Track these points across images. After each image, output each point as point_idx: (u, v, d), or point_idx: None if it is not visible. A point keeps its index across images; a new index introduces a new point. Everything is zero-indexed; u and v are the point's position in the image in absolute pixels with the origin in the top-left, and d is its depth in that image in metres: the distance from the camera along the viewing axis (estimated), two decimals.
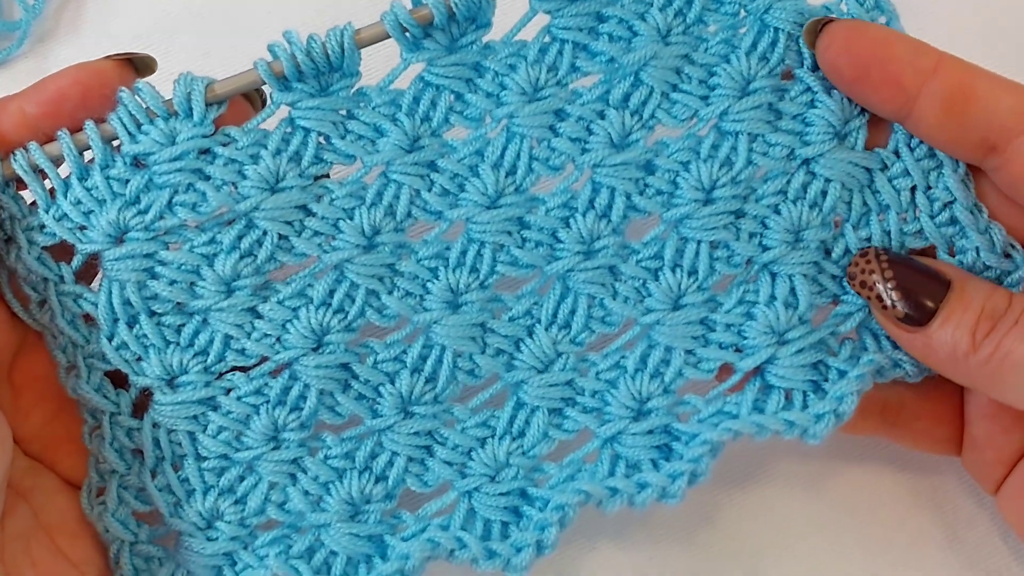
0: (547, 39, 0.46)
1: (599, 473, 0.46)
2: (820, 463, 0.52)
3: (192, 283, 0.45)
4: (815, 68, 0.47)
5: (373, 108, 0.46)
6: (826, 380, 0.47)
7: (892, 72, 0.43)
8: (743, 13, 0.47)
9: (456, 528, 0.46)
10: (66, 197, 0.44)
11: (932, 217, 0.47)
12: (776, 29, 0.46)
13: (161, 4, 0.62)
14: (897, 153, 0.47)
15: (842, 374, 0.47)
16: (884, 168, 0.47)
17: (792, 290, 0.47)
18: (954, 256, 0.47)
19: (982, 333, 0.43)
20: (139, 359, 0.45)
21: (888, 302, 0.45)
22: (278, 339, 0.45)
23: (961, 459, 0.50)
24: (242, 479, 0.46)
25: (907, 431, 0.50)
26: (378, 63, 0.49)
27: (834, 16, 0.46)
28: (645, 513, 0.50)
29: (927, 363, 0.46)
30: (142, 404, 0.46)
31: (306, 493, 0.45)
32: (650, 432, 0.46)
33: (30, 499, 0.45)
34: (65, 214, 0.44)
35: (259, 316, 0.45)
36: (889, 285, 0.45)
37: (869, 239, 0.47)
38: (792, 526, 0.51)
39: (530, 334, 0.47)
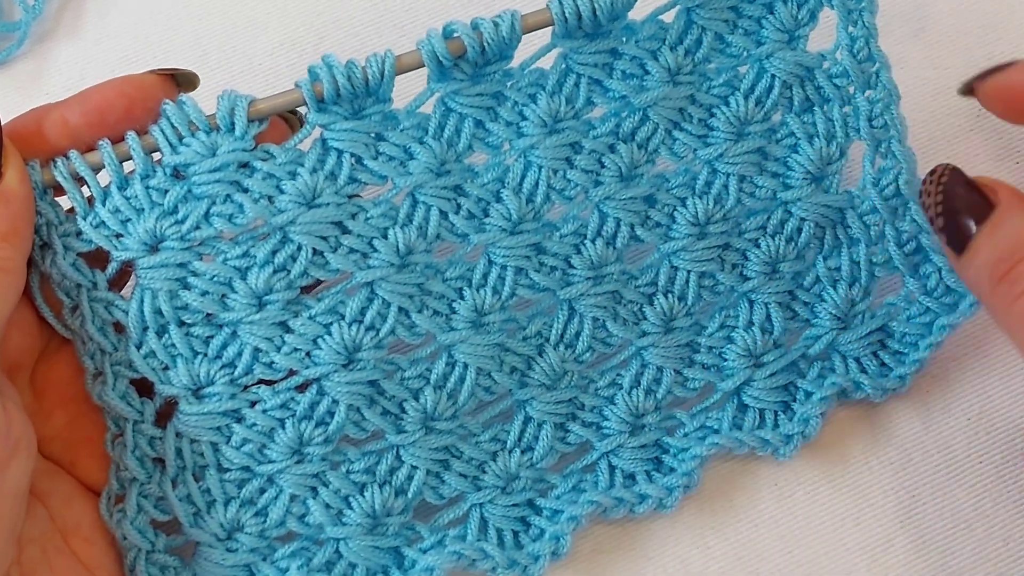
0: (563, 67, 0.50)
1: (600, 484, 0.52)
2: (821, 467, 0.55)
3: (224, 295, 0.47)
4: (801, 112, 0.53)
5: (402, 131, 0.49)
6: (795, 400, 0.54)
7: None
8: (745, 55, 0.52)
9: (472, 538, 0.50)
10: (104, 205, 0.46)
11: (900, 247, 0.53)
12: (774, 76, 0.52)
13: (161, 5, 0.64)
14: (866, 191, 0.53)
15: (809, 395, 0.53)
16: (855, 207, 0.53)
17: (768, 316, 0.53)
18: (919, 280, 0.54)
19: (998, 275, 0.45)
20: (166, 368, 0.47)
21: (935, 227, 0.48)
22: (308, 354, 0.48)
23: None
24: (263, 491, 0.48)
25: None
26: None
27: (975, 79, 0.50)
28: (644, 520, 0.54)
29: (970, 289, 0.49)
30: (165, 414, 0.48)
31: (327, 506, 0.48)
32: (644, 446, 0.52)
33: (47, 502, 0.46)
34: (103, 222, 0.46)
35: (289, 330, 0.48)
36: (938, 209, 0.47)
37: (838, 269, 0.54)
38: (792, 531, 0.54)
39: (540, 353, 0.51)
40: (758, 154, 0.52)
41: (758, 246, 0.52)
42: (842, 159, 0.53)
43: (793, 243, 0.53)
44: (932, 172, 0.49)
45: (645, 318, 0.52)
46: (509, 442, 0.51)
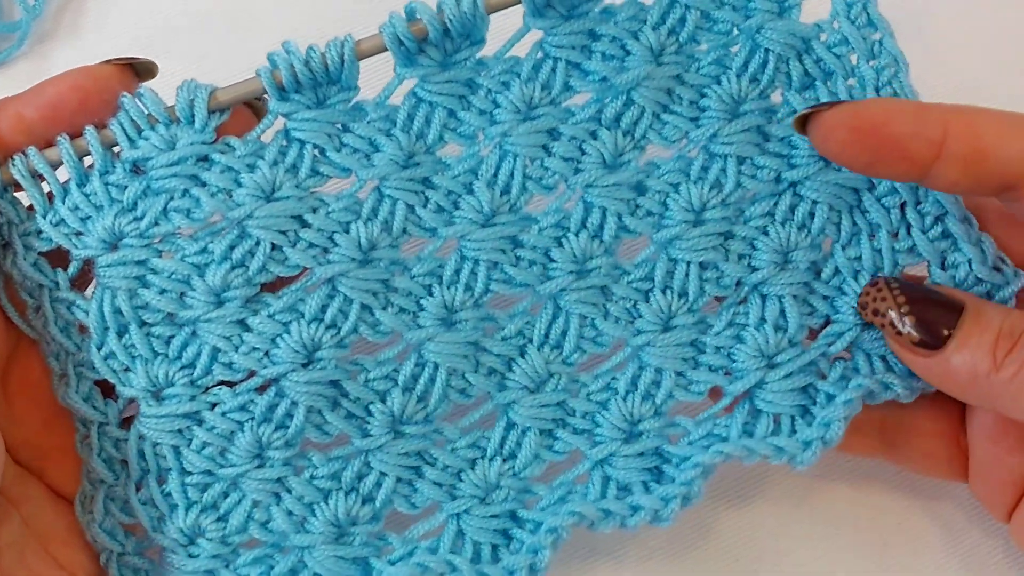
0: (540, 55, 0.48)
1: (590, 495, 0.48)
2: (817, 470, 0.52)
3: (182, 293, 0.46)
4: (802, 89, 0.49)
5: (368, 122, 0.47)
6: (815, 403, 0.49)
7: (903, 150, 0.44)
8: (736, 32, 0.48)
9: (445, 551, 0.47)
10: (64, 203, 0.46)
11: (924, 232, 0.49)
12: (767, 50, 0.48)
13: (160, 5, 0.64)
14: None
15: (831, 398, 0.48)
16: (872, 187, 0.49)
17: (782, 312, 0.49)
18: (946, 271, 0.49)
19: (1003, 351, 0.44)
20: (126, 370, 0.46)
21: (902, 328, 0.46)
22: (266, 353, 0.46)
23: (969, 485, 0.51)
24: (226, 495, 0.47)
25: (907, 451, 0.51)
26: (373, 77, 0.51)
27: (817, 106, 0.46)
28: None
29: (944, 388, 0.47)
30: (132, 415, 0.47)
31: (290, 513, 0.46)
32: (641, 454, 0.48)
33: (20, 508, 0.46)
34: (63, 219, 0.46)
35: (248, 329, 0.46)
36: (903, 311, 0.46)
37: (859, 258, 0.49)
38: (789, 533, 0.53)
39: (522, 354, 0.48)
40: (757, 133, 0.48)
41: (766, 234, 0.48)
42: None
43: (806, 229, 0.48)
44: (872, 284, 0.48)
45: (640, 316, 0.48)
46: (490, 449, 0.48)
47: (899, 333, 0.46)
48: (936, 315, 0.46)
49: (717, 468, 0.48)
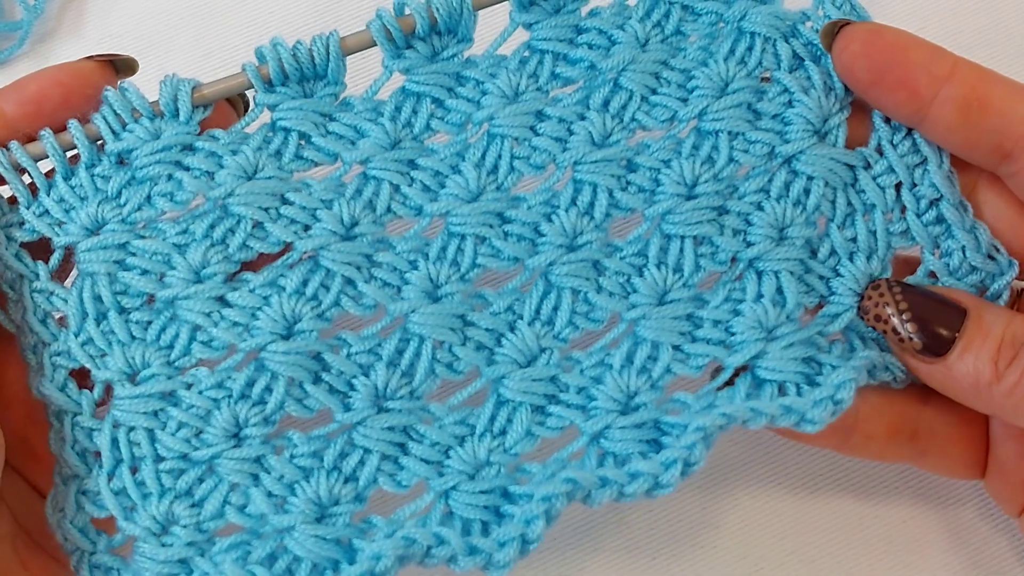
0: (527, 52, 0.48)
1: (586, 468, 0.45)
2: (822, 466, 0.54)
3: (163, 274, 0.46)
4: (792, 70, 0.49)
5: (356, 113, 0.48)
6: (819, 375, 0.47)
7: (907, 77, 0.45)
8: (721, 24, 0.49)
9: (433, 527, 0.44)
10: (49, 195, 0.46)
11: (919, 215, 0.48)
12: (752, 34, 0.49)
13: (162, 4, 0.65)
14: (880, 150, 0.49)
15: (835, 369, 0.47)
16: (867, 166, 0.49)
17: (779, 288, 0.48)
18: (940, 258, 0.48)
19: (1004, 361, 0.44)
20: (103, 355, 0.46)
21: (904, 334, 0.45)
22: (246, 328, 0.45)
23: (984, 482, 0.50)
24: (201, 481, 0.45)
25: (937, 459, 0.50)
26: (361, 78, 0.52)
27: (851, 19, 0.47)
28: (648, 518, 0.52)
29: (948, 394, 0.46)
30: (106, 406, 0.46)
31: (269, 494, 0.45)
32: (639, 426, 0.46)
33: (7, 501, 0.46)
34: (47, 211, 0.46)
35: (228, 305, 0.46)
36: (904, 317, 0.46)
37: (855, 239, 0.49)
38: (794, 529, 0.53)
39: (512, 329, 0.47)
40: (747, 110, 0.48)
41: (762, 209, 0.48)
42: (842, 113, 0.49)
43: (801, 206, 0.48)
44: (875, 287, 0.47)
45: (635, 290, 0.47)
46: (480, 426, 0.46)
47: (902, 340, 0.46)
48: (938, 321, 0.45)
49: (726, 457, 0.48)
